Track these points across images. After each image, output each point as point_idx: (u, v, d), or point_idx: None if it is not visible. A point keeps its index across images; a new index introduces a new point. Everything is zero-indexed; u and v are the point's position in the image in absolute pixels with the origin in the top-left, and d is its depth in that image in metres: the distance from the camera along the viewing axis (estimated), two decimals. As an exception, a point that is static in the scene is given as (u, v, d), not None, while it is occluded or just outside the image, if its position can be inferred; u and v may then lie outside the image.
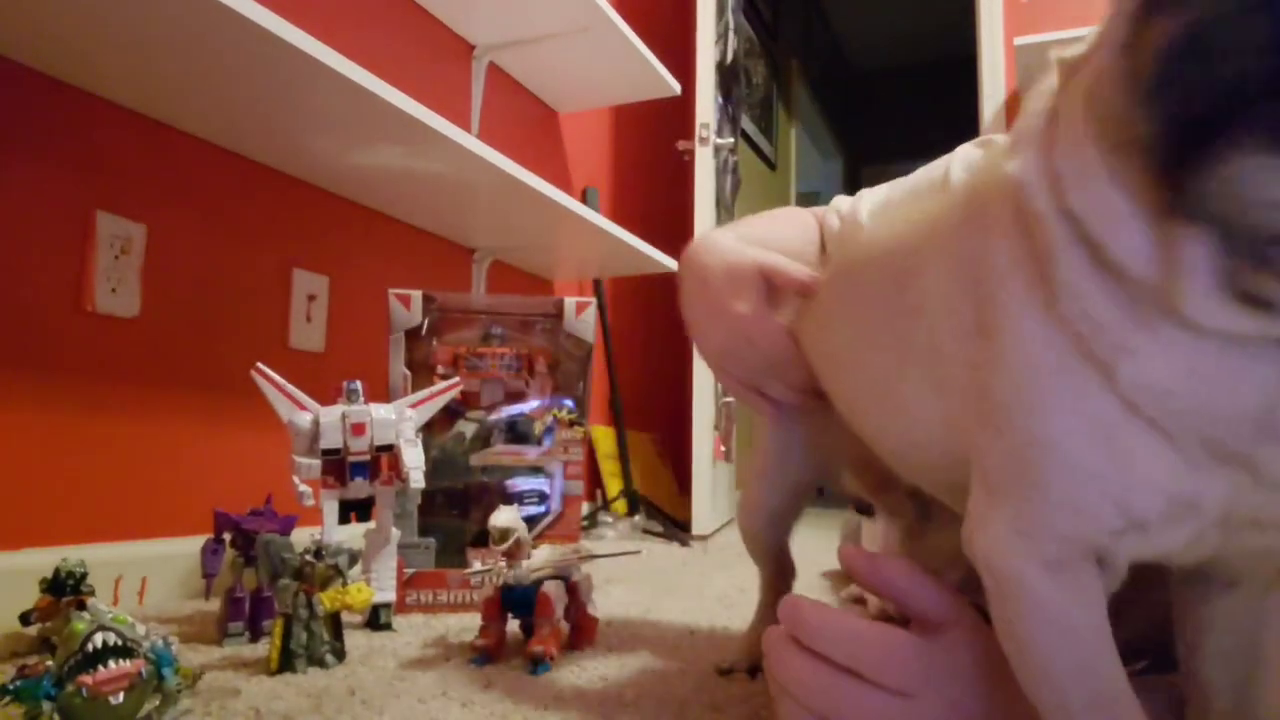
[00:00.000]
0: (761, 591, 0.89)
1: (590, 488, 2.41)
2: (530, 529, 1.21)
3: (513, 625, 0.90)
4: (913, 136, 4.84)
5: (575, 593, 0.91)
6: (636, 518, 2.31)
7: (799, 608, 0.52)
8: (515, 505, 0.92)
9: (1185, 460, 0.37)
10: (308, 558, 0.82)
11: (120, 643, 0.59)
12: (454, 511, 1.26)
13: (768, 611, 0.87)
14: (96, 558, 0.90)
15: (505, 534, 0.85)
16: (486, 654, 0.84)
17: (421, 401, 1.04)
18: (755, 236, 0.82)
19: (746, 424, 2.55)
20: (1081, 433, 0.39)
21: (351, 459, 0.96)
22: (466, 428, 1.27)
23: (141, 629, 0.62)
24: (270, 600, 0.88)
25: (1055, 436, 0.40)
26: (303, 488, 0.92)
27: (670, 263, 2.16)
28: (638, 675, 0.79)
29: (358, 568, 0.87)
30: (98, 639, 0.58)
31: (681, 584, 1.43)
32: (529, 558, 0.88)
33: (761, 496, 0.85)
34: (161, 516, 1.21)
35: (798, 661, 0.51)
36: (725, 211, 2.59)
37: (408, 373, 1.25)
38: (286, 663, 0.78)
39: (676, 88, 2.23)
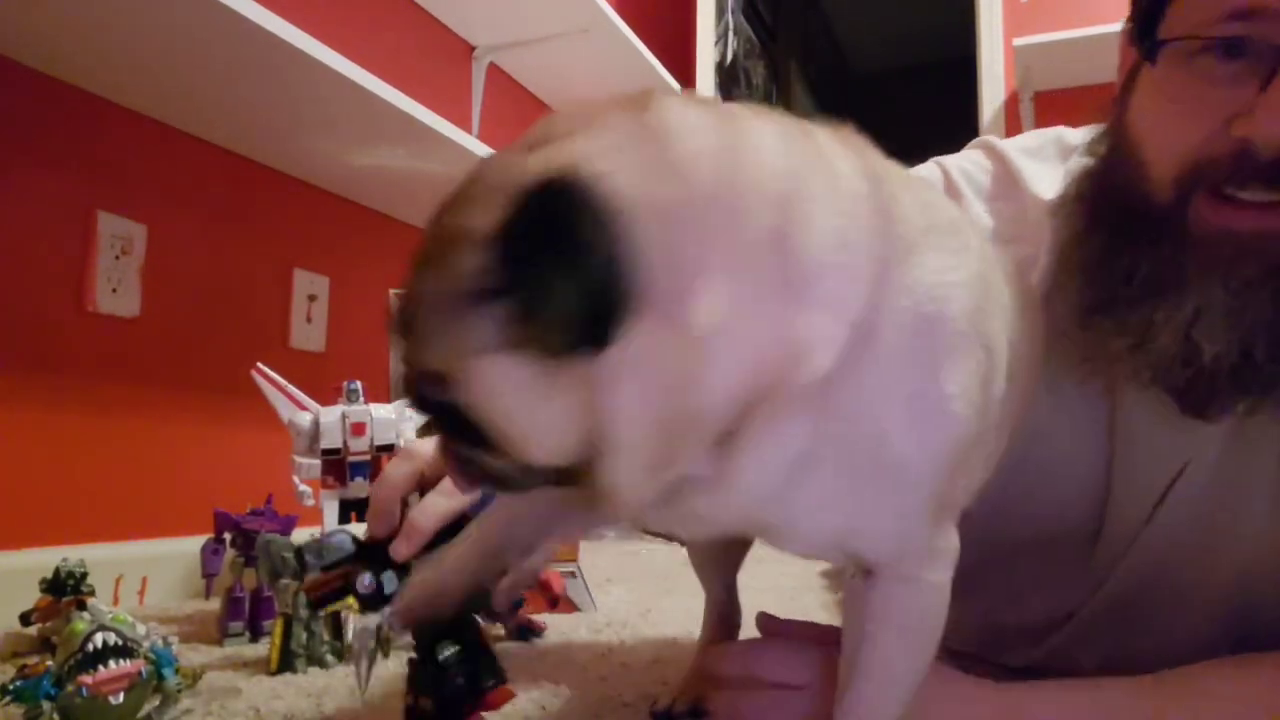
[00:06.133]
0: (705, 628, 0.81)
1: (590, 488, 2.41)
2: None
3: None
4: (912, 137, 4.83)
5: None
6: (636, 518, 2.31)
7: (708, 652, 0.60)
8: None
9: None
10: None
11: (120, 643, 0.59)
12: (454, 512, 1.26)
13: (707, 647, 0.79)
14: (96, 558, 0.90)
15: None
16: None
17: (421, 402, 1.04)
18: None
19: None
20: None
21: (352, 459, 0.96)
22: (466, 428, 1.27)
23: (141, 629, 0.62)
24: (270, 600, 0.88)
25: None
26: (303, 487, 0.92)
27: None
28: (637, 676, 0.79)
29: (358, 568, 0.87)
30: (98, 639, 0.58)
31: (681, 584, 1.43)
32: None
33: None
34: (161, 516, 1.21)
35: (721, 695, 0.59)
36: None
37: (408, 373, 1.25)
38: (286, 662, 0.78)
39: (676, 88, 2.23)
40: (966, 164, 0.76)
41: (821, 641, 0.58)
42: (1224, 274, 0.55)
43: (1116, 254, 0.60)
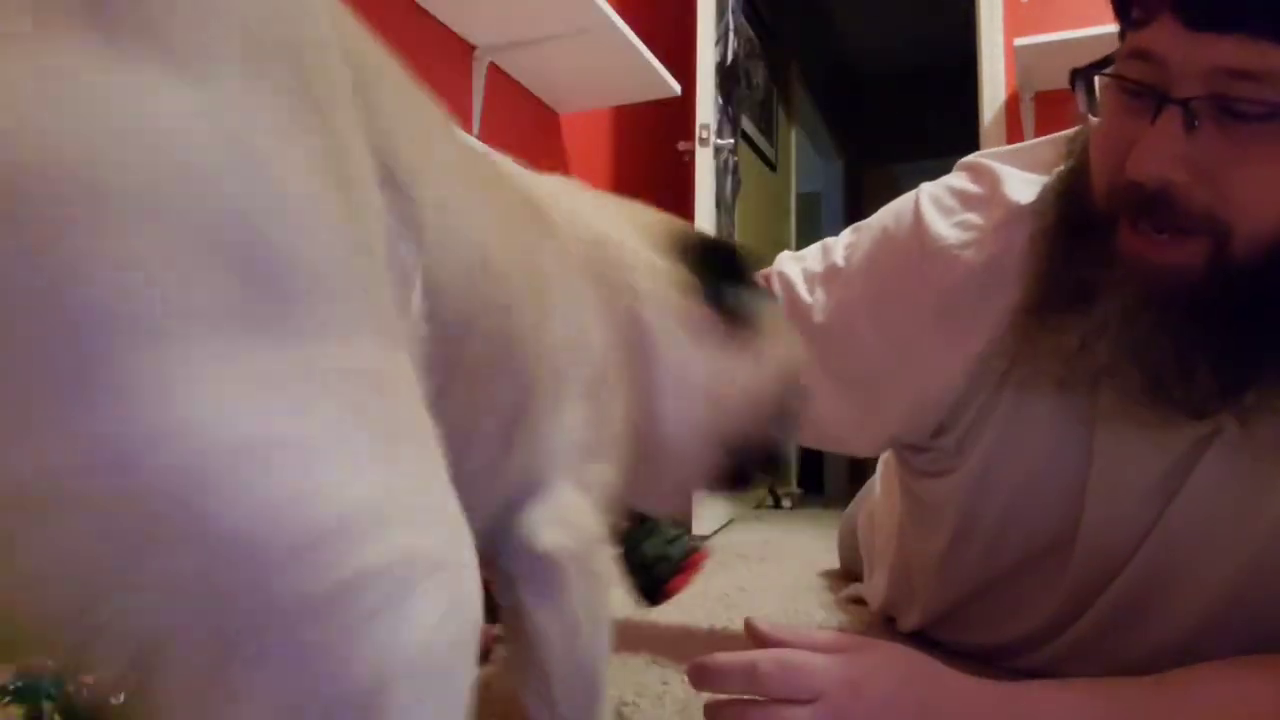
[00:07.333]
0: None
1: (590, 488, 2.40)
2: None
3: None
4: (913, 138, 4.85)
5: None
6: (636, 518, 2.31)
7: (703, 664, 0.58)
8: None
9: None
10: (308, 558, 0.82)
11: (121, 642, 0.59)
12: (454, 512, 1.26)
13: None
14: (97, 557, 0.90)
15: None
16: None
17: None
18: None
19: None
20: None
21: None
22: (466, 428, 1.27)
23: (142, 628, 0.62)
24: (270, 600, 0.87)
25: None
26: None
27: (670, 263, 2.16)
28: (637, 676, 0.79)
29: (358, 568, 0.87)
30: (98, 638, 0.58)
31: (681, 584, 1.43)
32: None
33: None
34: (162, 516, 1.21)
35: (725, 711, 0.57)
36: (725, 212, 2.59)
37: (408, 373, 1.25)
38: (287, 662, 0.78)
39: (677, 88, 2.23)
40: (940, 189, 0.79)
41: (821, 650, 0.58)
42: (1123, 295, 0.58)
43: (1063, 258, 0.63)
